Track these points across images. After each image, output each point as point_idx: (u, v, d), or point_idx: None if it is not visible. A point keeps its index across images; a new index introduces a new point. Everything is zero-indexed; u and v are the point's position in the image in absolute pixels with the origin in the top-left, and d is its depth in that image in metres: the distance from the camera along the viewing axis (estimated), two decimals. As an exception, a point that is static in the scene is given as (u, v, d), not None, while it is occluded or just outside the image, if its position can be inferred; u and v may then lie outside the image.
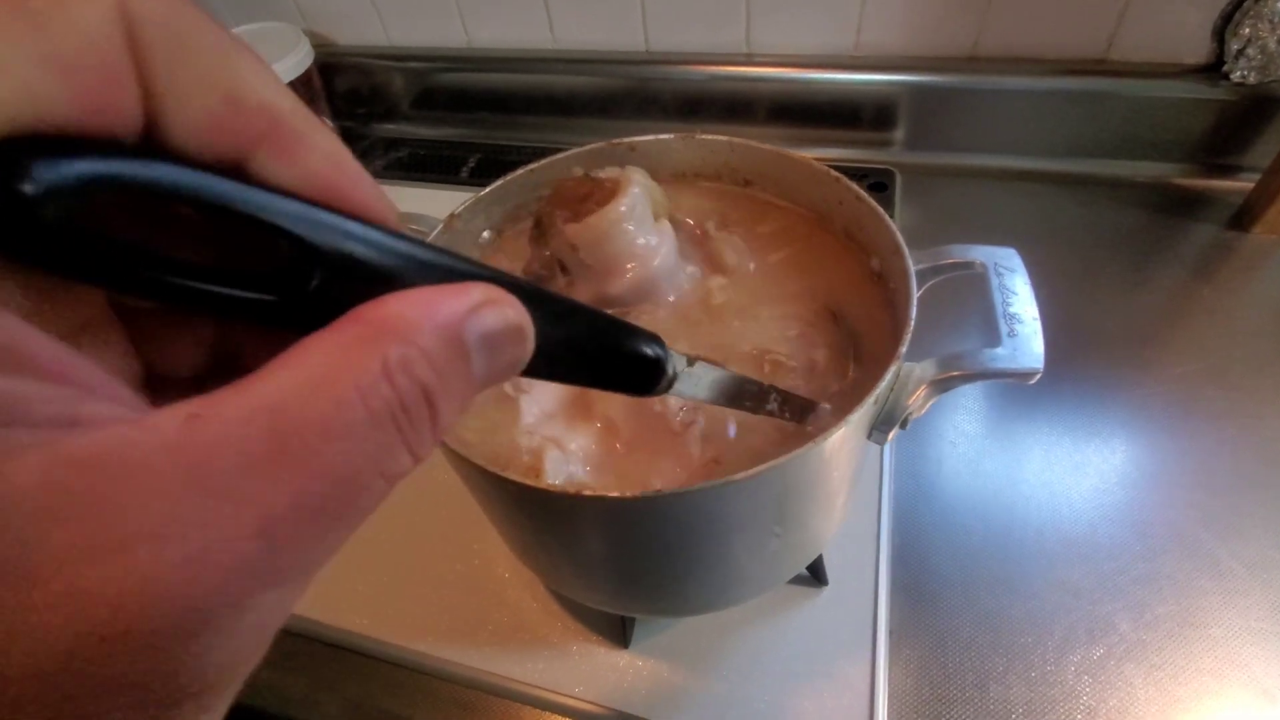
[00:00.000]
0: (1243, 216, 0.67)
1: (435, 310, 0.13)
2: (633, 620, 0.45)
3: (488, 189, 0.43)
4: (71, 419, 0.10)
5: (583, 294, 0.37)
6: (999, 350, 0.31)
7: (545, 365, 0.17)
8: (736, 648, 0.45)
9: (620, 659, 0.45)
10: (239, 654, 0.11)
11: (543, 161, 0.45)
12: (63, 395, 0.10)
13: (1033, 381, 0.31)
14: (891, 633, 0.45)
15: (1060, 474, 0.52)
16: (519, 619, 0.48)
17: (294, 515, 0.11)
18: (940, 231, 0.74)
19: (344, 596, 0.50)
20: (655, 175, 0.47)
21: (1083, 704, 0.42)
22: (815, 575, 0.46)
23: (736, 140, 0.45)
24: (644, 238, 0.36)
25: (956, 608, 0.46)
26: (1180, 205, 0.72)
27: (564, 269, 0.38)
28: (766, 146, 0.44)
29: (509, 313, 0.14)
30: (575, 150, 0.45)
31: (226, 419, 0.10)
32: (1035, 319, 0.32)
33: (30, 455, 0.09)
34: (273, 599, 0.11)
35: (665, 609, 0.40)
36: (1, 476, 0.09)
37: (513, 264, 0.44)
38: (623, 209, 0.36)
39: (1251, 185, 0.68)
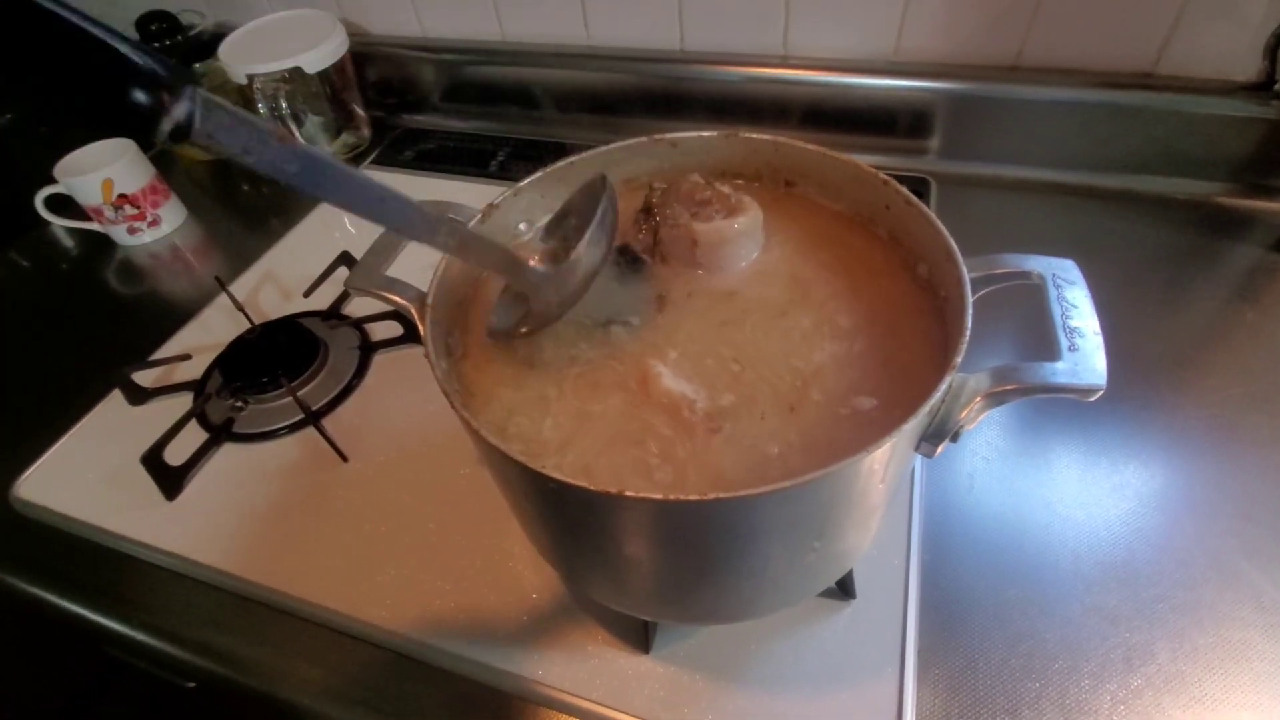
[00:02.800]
0: (1290, 239, 0.66)
1: None
2: (655, 625, 0.44)
3: (527, 180, 0.43)
4: None
5: (670, 276, 0.42)
6: (1059, 365, 0.30)
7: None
8: (760, 658, 0.44)
9: (641, 664, 0.44)
10: None
11: (582, 155, 0.44)
12: None
13: (1094, 399, 0.30)
14: (920, 651, 0.44)
15: (1097, 495, 0.51)
16: (538, 618, 0.47)
17: None
18: (975, 243, 0.71)
19: (364, 587, 0.49)
20: (695, 171, 0.47)
21: (1119, 735, 0.40)
22: (843, 589, 0.45)
23: (781, 139, 0.44)
24: (752, 250, 0.42)
25: (987, 629, 0.45)
26: (1224, 225, 0.70)
27: (661, 253, 0.42)
28: (812, 147, 0.43)
29: None
30: (616, 144, 0.45)
31: None
32: (1097, 333, 0.31)
33: None
34: None
35: (694, 616, 0.39)
36: None
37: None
38: (749, 223, 0.41)
39: (1300, 208, 0.66)
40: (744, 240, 0.42)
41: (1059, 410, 0.56)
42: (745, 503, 0.26)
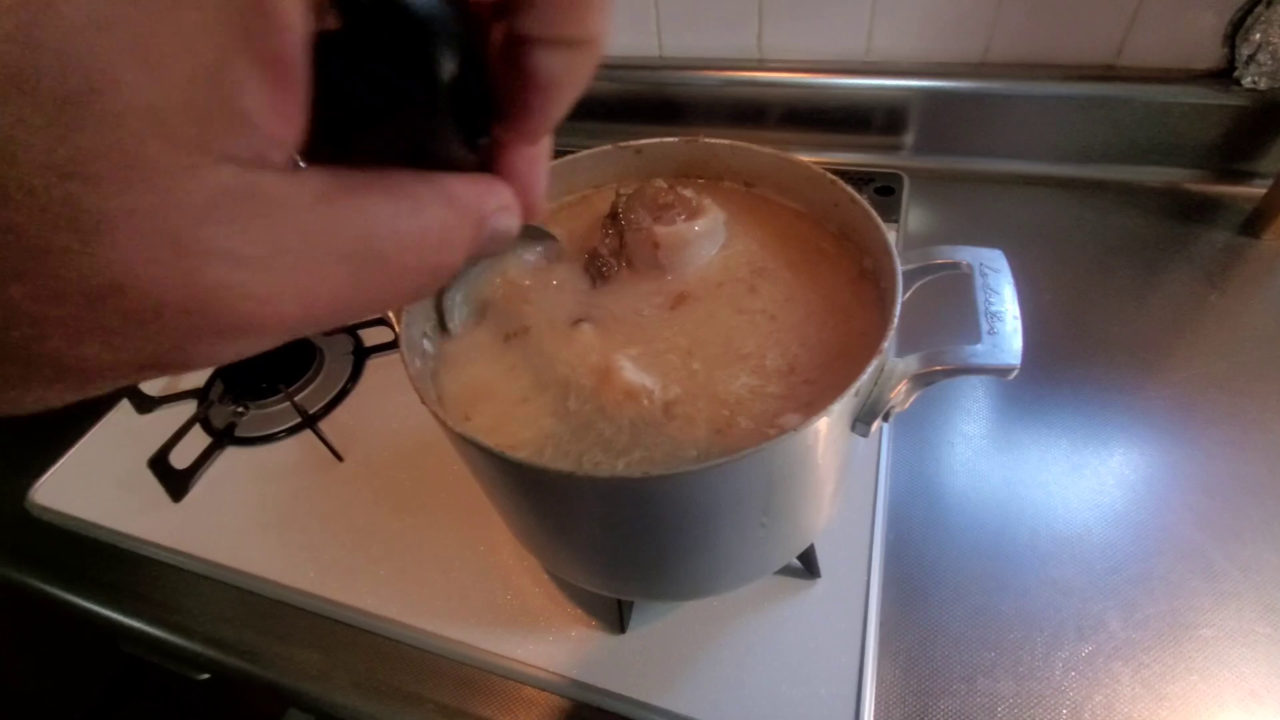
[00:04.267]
0: (1254, 222, 0.67)
1: (487, 201, 0.17)
2: (630, 606, 0.46)
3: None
4: (262, 161, 0.13)
5: (636, 279, 0.44)
6: (979, 347, 0.32)
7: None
8: (729, 635, 0.46)
9: (617, 643, 0.47)
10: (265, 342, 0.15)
11: (551, 164, 0.46)
12: (269, 144, 0.13)
13: (1010, 377, 0.32)
14: (881, 625, 0.46)
15: (1057, 475, 0.53)
16: (522, 603, 0.50)
17: (367, 272, 0.15)
18: (948, 235, 0.74)
19: (359, 578, 0.52)
20: (660, 175, 0.50)
21: (1069, 699, 0.42)
22: (808, 567, 0.47)
23: (737, 144, 0.46)
24: (711, 249, 0.44)
25: (947, 603, 0.47)
26: (1191, 211, 0.72)
27: (626, 257, 0.44)
28: (765, 150, 0.46)
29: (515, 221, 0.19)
30: (583, 152, 0.47)
31: (343, 204, 0.14)
32: (1016, 318, 0.33)
33: (225, 170, 0.12)
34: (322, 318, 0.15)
35: (657, 592, 0.42)
36: (196, 175, 0.12)
37: (521, 263, 0.46)
38: (708, 225, 0.43)
39: (1263, 191, 0.68)
40: (703, 241, 0.44)
41: (1024, 395, 0.58)
42: (682, 479, 0.29)
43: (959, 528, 0.51)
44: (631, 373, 0.36)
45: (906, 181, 0.79)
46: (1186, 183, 0.74)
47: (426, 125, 0.15)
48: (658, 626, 0.47)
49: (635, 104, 0.88)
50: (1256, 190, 0.70)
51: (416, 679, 0.48)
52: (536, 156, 0.19)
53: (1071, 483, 0.52)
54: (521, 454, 0.34)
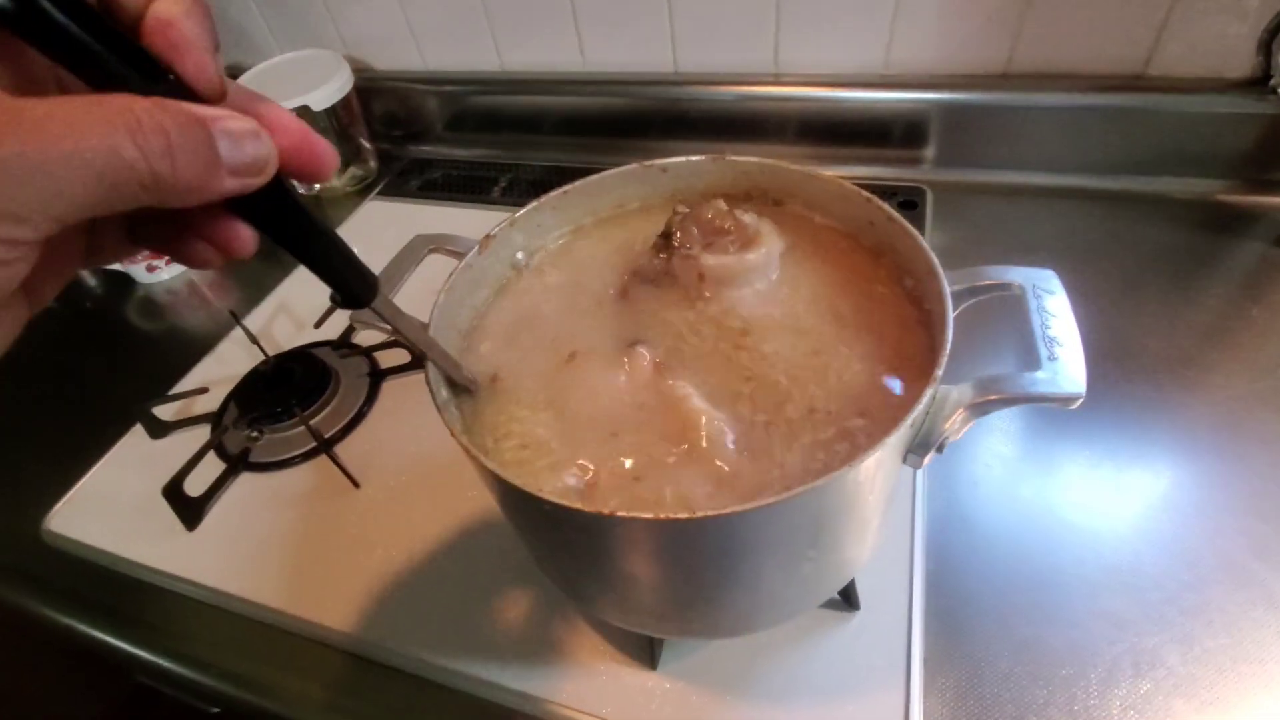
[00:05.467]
0: (1292, 234, 0.65)
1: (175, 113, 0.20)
2: (661, 641, 0.45)
3: (522, 211, 0.44)
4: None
5: (680, 303, 0.42)
6: (1039, 374, 0.30)
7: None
8: (767, 671, 0.44)
9: (648, 680, 0.45)
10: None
11: (574, 185, 0.45)
12: None
13: (1074, 406, 0.30)
14: (926, 660, 0.44)
15: (1102, 499, 0.51)
16: (546, 636, 0.48)
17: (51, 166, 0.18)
18: (974, 250, 0.73)
19: (370, 608, 0.51)
20: (687, 195, 0.48)
21: (1129, 741, 0.40)
22: (847, 599, 0.45)
23: (766, 161, 0.45)
24: (762, 284, 0.42)
25: (993, 636, 0.45)
26: (1225, 222, 0.70)
27: (671, 280, 0.42)
28: (795, 167, 0.44)
29: (249, 124, 0.22)
30: (608, 172, 0.46)
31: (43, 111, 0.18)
32: (1077, 342, 0.31)
33: None
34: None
35: (697, 631, 0.40)
36: None
37: (544, 280, 0.45)
38: (759, 260, 0.40)
39: (1301, 202, 0.66)
40: (752, 276, 0.41)
41: (1061, 415, 0.56)
42: (735, 519, 0.27)
43: (1000, 556, 0.49)
44: (698, 401, 0.34)
45: (930, 196, 0.77)
46: (1219, 194, 0.72)
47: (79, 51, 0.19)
48: (691, 662, 0.45)
49: (650, 119, 0.87)
50: (1293, 200, 0.68)
51: (433, 716, 0.46)
52: (217, 86, 0.22)
53: (1117, 507, 0.50)
54: (559, 484, 0.32)
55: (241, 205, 0.23)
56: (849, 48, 0.77)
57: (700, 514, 0.27)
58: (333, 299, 0.30)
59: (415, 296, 0.41)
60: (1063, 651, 0.44)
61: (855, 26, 0.75)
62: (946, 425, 0.31)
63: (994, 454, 0.55)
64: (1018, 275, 0.35)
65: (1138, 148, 0.73)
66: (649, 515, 0.27)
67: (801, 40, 0.78)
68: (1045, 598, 0.46)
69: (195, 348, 0.75)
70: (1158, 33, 0.68)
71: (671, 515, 0.27)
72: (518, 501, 0.31)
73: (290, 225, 0.26)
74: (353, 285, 0.30)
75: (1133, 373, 0.59)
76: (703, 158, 0.46)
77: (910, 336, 0.38)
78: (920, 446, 0.31)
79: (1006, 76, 0.74)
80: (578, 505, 0.28)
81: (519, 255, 0.46)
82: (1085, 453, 0.54)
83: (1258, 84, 0.67)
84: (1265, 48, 0.64)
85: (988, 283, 0.36)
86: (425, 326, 0.36)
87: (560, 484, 0.33)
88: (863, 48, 0.77)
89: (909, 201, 0.77)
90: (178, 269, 0.88)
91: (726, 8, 0.78)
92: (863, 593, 0.46)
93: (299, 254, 0.27)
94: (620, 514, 0.27)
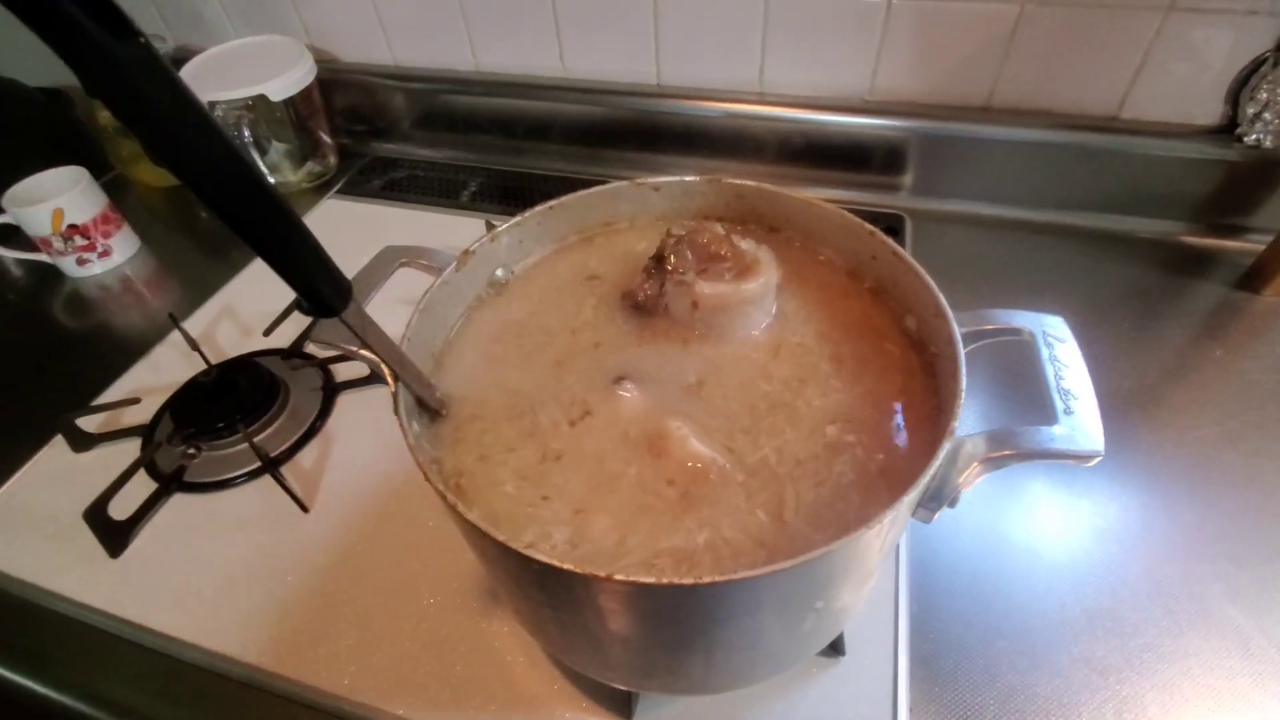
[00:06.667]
0: (1253, 277, 0.67)
1: None
2: (639, 692, 0.42)
3: (505, 224, 0.41)
4: None
5: (670, 333, 0.40)
6: (1056, 429, 0.29)
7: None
8: (749, 722, 0.42)
9: (624, 732, 0.42)
10: None
11: (562, 200, 0.43)
12: None
13: (1092, 464, 0.29)
14: (912, 709, 0.43)
15: (1081, 540, 0.51)
16: (513, 684, 0.44)
17: None
18: (951, 281, 0.71)
19: (325, 652, 0.46)
20: (678, 216, 0.46)
21: (1115, 796, 0.39)
22: (834, 646, 0.44)
23: (764, 186, 0.43)
24: (759, 316, 0.39)
25: (979, 684, 0.44)
26: (1188, 264, 0.72)
27: (665, 306, 0.40)
28: (795, 194, 0.42)
29: None
30: (597, 189, 0.44)
31: None
32: (1092, 396, 0.30)
33: None
34: None
35: (686, 688, 0.38)
36: None
37: (524, 302, 0.42)
38: (757, 291, 0.38)
39: (1259, 247, 0.68)
40: (748, 309, 0.39)
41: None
42: (744, 584, 0.25)
43: (985, 597, 0.48)
44: (695, 444, 0.32)
45: (910, 224, 0.77)
46: (1183, 235, 0.74)
47: None
48: (669, 713, 0.42)
49: (630, 130, 0.85)
50: (1251, 245, 0.70)
51: (392, 773, 0.42)
52: None
53: (1097, 548, 0.50)
54: (544, 534, 0.29)
55: (205, 189, 0.20)
56: (835, 71, 0.77)
57: (707, 579, 0.24)
58: (298, 305, 0.26)
59: (375, 313, 0.37)
60: (1047, 699, 0.43)
61: (841, 51, 0.75)
62: (960, 479, 0.29)
63: (975, 491, 0.54)
64: (1026, 320, 0.34)
65: (1108, 187, 0.74)
66: (650, 580, 0.25)
67: (787, 61, 0.77)
68: (1028, 643, 0.46)
69: (128, 352, 0.69)
70: (1132, 78, 0.69)
71: (675, 581, 0.24)
72: (498, 556, 0.28)
73: (258, 216, 0.22)
74: (324, 291, 0.26)
75: (1107, 412, 0.58)
76: (697, 178, 0.44)
77: (913, 380, 0.36)
78: (932, 500, 0.30)
79: (987, 110, 0.75)
80: (570, 566, 0.25)
81: (499, 272, 0.43)
82: (1063, 491, 0.54)
83: (1224, 131, 0.69)
84: (1233, 97, 0.66)
85: (995, 327, 0.35)
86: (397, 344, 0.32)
87: (546, 535, 0.30)
88: (848, 72, 0.76)
89: (889, 229, 0.76)
90: (112, 262, 0.81)
91: (713, 23, 0.76)
92: (848, 637, 0.44)
93: (265, 250, 0.23)
94: (619, 578, 0.24)
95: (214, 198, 0.21)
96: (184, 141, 0.19)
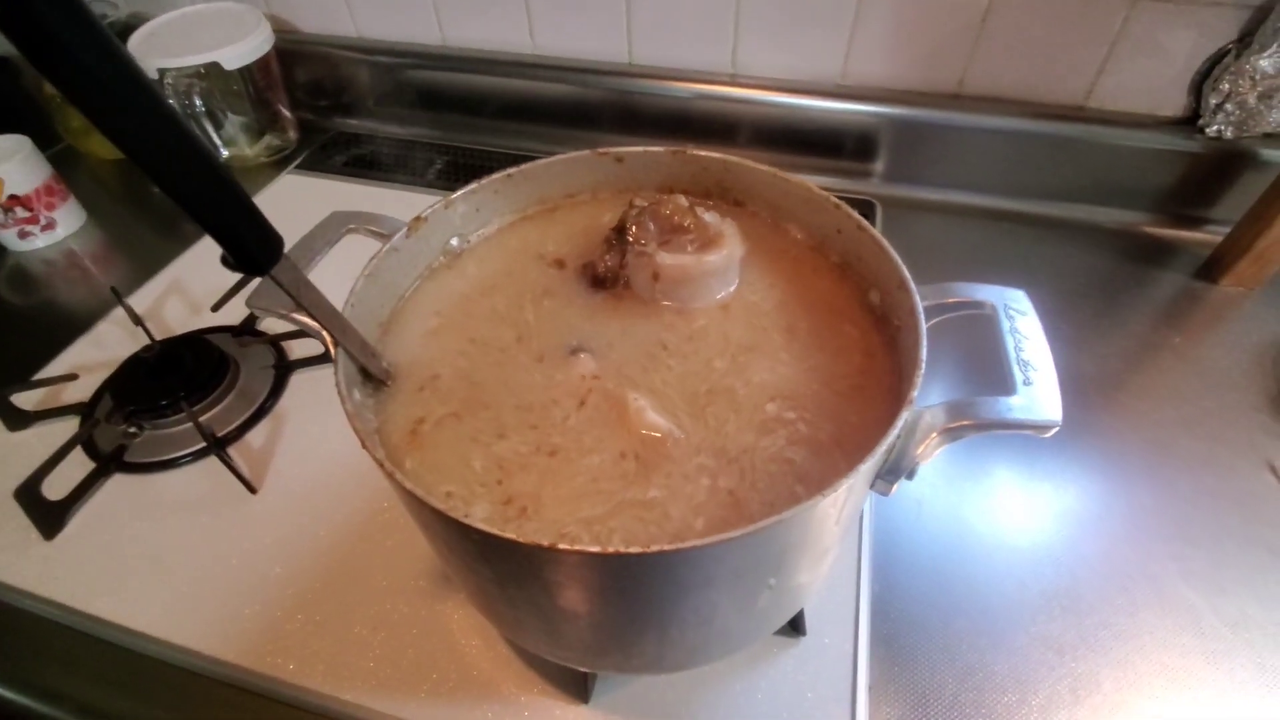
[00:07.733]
0: (1212, 267, 0.68)
1: None
2: (595, 674, 0.41)
3: (460, 191, 0.39)
4: None
5: (632, 304, 0.39)
6: (1014, 400, 0.29)
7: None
8: (708, 702, 0.41)
9: (580, 714, 0.41)
10: None
11: (521, 168, 0.41)
12: None
13: (1049, 434, 0.29)
14: (871, 688, 0.42)
15: (1040, 522, 0.51)
16: (467, 668, 0.43)
17: None
18: (919, 266, 0.71)
19: (271, 639, 0.44)
20: (642, 189, 0.45)
21: (1069, 772, 0.39)
22: (794, 626, 0.43)
23: (730, 158, 0.42)
24: (721, 289, 0.39)
25: (938, 663, 0.44)
26: (1149, 253, 0.73)
27: (625, 279, 0.39)
28: (762, 167, 0.42)
29: None
30: (558, 157, 0.42)
31: None
32: (1051, 367, 0.30)
33: None
34: None
35: (640, 667, 0.37)
36: None
37: (480, 271, 0.41)
38: (719, 263, 0.37)
39: (1217, 237, 0.69)
40: (710, 280, 0.38)
41: (1000, 435, 0.56)
42: (695, 553, 0.24)
43: (945, 577, 0.48)
44: (652, 415, 0.30)
45: (880, 210, 0.77)
46: (1145, 225, 0.75)
47: None
48: (626, 694, 0.41)
49: (601, 110, 0.83)
50: (1209, 236, 0.71)
51: (339, 760, 0.41)
52: None
53: (1056, 530, 0.50)
54: (488, 506, 0.28)
55: (108, 120, 0.19)
56: (808, 55, 0.76)
57: (655, 548, 0.23)
58: (224, 260, 0.25)
59: (327, 285, 0.35)
60: (1005, 678, 0.43)
61: (815, 35, 0.74)
62: (918, 451, 0.29)
63: (938, 473, 0.54)
64: (988, 294, 0.34)
65: (1074, 176, 0.75)
66: (595, 549, 0.23)
67: (760, 43, 0.76)
68: (988, 622, 0.46)
69: (69, 328, 0.66)
70: (1099, 68, 0.70)
71: (621, 549, 0.23)
72: (440, 527, 0.27)
73: (169, 152, 0.20)
74: (249, 244, 0.24)
75: (1069, 394, 0.59)
76: (662, 149, 0.43)
77: (874, 353, 0.36)
78: (890, 472, 0.29)
79: (957, 97, 0.75)
80: (512, 535, 0.24)
81: (454, 241, 0.41)
82: (1024, 473, 0.54)
83: (1188, 122, 0.69)
84: (1196, 89, 0.67)
85: (957, 300, 0.34)
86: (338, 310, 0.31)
87: (490, 507, 0.28)
88: (821, 57, 0.76)
89: (861, 214, 0.76)
90: (55, 236, 0.77)
91: (687, 3, 0.75)
92: (808, 616, 0.44)
93: (181, 196, 0.21)
94: (562, 547, 0.23)
95: (118, 128, 0.19)
96: (84, 65, 0.18)
